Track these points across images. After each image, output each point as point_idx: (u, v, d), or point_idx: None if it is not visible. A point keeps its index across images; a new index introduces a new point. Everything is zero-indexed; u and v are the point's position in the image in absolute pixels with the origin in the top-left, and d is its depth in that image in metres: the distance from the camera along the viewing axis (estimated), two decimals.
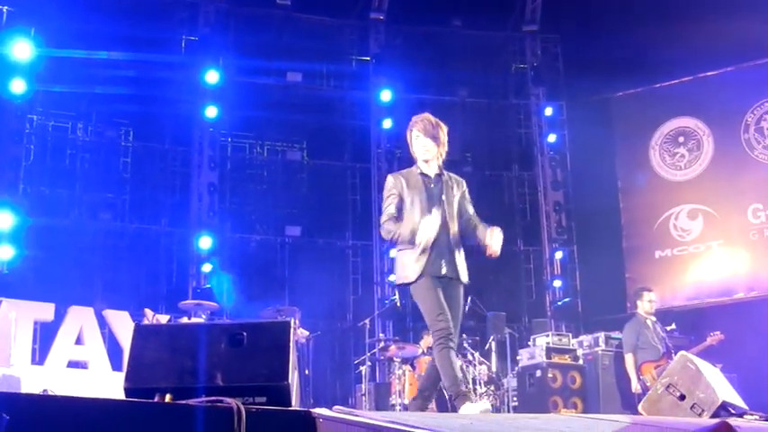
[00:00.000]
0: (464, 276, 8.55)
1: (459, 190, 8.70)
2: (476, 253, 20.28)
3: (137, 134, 21.06)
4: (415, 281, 8.29)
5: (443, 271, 8.35)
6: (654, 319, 14.37)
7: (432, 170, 8.57)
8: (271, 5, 21.03)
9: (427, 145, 8.47)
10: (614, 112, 21.38)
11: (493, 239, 8.54)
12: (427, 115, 8.64)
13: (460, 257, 8.56)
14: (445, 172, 8.67)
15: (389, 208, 8.46)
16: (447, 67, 21.69)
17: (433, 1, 21.36)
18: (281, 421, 5.20)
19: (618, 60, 19.47)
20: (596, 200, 20.87)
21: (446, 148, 8.65)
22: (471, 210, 8.77)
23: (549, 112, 21.90)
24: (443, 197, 8.49)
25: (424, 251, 8.24)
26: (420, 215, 8.33)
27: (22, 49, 18.44)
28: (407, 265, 8.33)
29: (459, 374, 8.13)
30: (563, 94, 22.09)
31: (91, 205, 20.03)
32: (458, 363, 8.24)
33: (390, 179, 8.59)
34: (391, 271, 20.46)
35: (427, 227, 8.21)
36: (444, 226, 8.42)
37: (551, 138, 21.79)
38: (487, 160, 21.97)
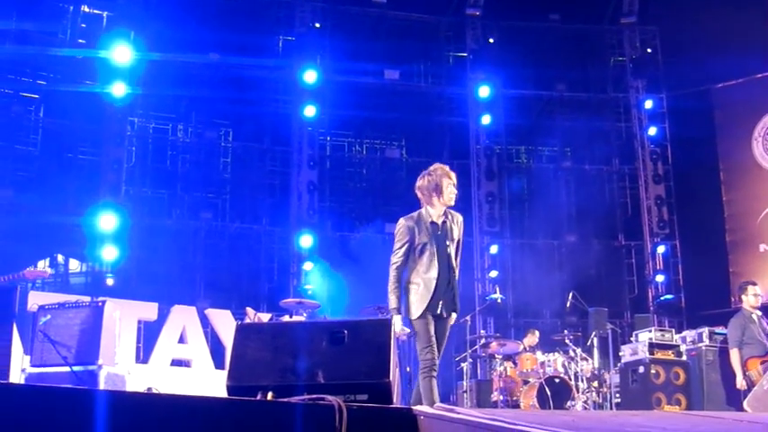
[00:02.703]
0: (454, 312, 9.16)
1: (458, 229, 9.21)
2: (578, 249, 20.08)
3: (236, 135, 21.31)
4: (417, 318, 8.93)
5: (439, 311, 8.93)
6: (759, 313, 14.00)
7: (440, 216, 9.06)
8: (366, 4, 21.19)
9: (456, 193, 9.08)
10: (715, 103, 21.10)
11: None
12: (443, 166, 9.28)
13: (456, 295, 9.08)
14: (452, 213, 9.16)
15: (398, 253, 9.05)
16: (544, 62, 21.56)
17: None
18: (382, 419, 5.20)
19: (718, 51, 19.21)
20: (698, 193, 20.66)
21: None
22: (458, 255, 9.27)
23: (648, 104, 21.66)
24: (448, 242, 9.02)
25: (424, 296, 8.93)
26: (428, 263, 8.94)
27: (123, 53, 18.73)
28: (414, 303, 8.93)
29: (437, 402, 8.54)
30: (663, 86, 21.80)
31: (192, 205, 20.31)
32: (436, 391, 8.70)
33: (403, 223, 9.06)
34: (492, 267, 20.48)
35: (397, 325, 8.91)
36: (447, 272, 8.98)
37: (652, 131, 21.53)
38: (587, 155, 21.79)
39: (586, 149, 21.60)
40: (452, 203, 9.01)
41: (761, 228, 20.00)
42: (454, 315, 9.16)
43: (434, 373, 8.71)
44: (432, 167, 9.17)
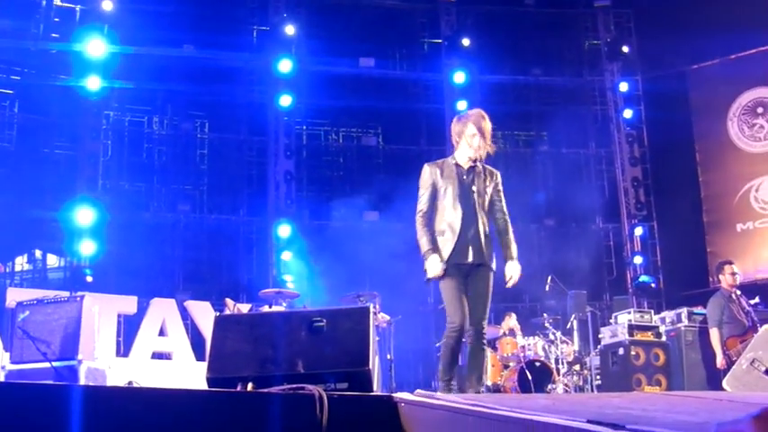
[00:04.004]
0: (492, 263, 8.63)
1: (491, 182, 8.80)
2: (556, 233, 20.08)
3: (212, 126, 21.26)
4: (446, 262, 8.44)
5: (470, 258, 8.46)
6: (738, 292, 14.02)
7: (467, 161, 8.69)
8: None
9: (481, 144, 8.60)
10: (690, 85, 21.21)
11: (512, 275, 8.66)
12: (481, 111, 8.81)
13: (489, 246, 8.62)
14: (479, 164, 8.74)
15: (422, 199, 8.66)
16: (519, 47, 21.59)
17: None
18: (363, 406, 5.24)
19: (692, 32, 19.29)
20: (675, 175, 20.71)
21: (492, 146, 8.79)
22: (502, 206, 8.88)
23: (624, 87, 21.72)
24: (474, 188, 8.61)
25: (449, 239, 8.50)
26: (452, 204, 8.55)
27: (97, 47, 18.70)
28: (438, 250, 8.51)
29: (453, 370, 8.41)
30: (637, 69, 21.85)
31: (169, 198, 20.29)
32: (451, 358, 8.45)
33: (427, 169, 8.76)
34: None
35: (433, 265, 8.45)
36: (474, 216, 8.57)
37: (627, 113, 21.62)
38: (564, 138, 21.77)
39: (563, 133, 21.57)
40: (475, 156, 8.59)
41: (737, 207, 20.13)
42: (510, 266, 8.63)
43: (456, 340, 8.32)
44: (468, 112, 8.94)
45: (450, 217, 8.52)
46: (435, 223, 8.63)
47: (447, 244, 8.48)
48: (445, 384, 8.32)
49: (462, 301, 8.35)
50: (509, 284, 8.64)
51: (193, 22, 19.80)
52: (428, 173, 8.70)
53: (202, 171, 21.05)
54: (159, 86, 20.02)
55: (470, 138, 8.58)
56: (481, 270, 8.51)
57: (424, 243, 8.52)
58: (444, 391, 8.15)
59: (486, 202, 8.68)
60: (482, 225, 8.57)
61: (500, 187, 8.85)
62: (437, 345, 17.05)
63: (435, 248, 8.45)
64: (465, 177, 8.64)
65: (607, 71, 22.12)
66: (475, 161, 8.67)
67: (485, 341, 8.60)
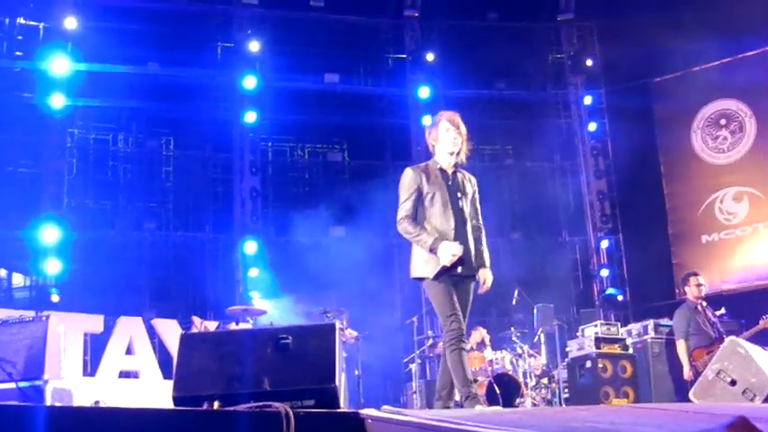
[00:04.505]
0: (483, 266, 8.53)
1: (471, 188, 8.66)
2: (523, 246, 20.08)
3: (177, 143, 21.14)
4: (433, 279, 8.24)
5: (459, 270, 8.28)
6: (704, 303, 14.07)
7: (450, 166, 8.54)
8: (304, 8, 21.10)
9: (457, 139, 8.46)
10: (654, 97, 21.31)
11: (486, 281, 8.50)
12: (451, 111, 8.72)
13: (476, 257, 8.49)
14: (459, 169, 8.63)
15: (407, 204, 8.39)
16: (484, 61, 21.60)
17: None
18: (329, 423, 5.21)
19: (655, 45, 19.40)
20: (640, 187, 20.82)
21: (468, 144, 8.64)
22: (478, 213, 8.76)
23: (588, 100, 21.82)
24: (460, 194, 8.47)
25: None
26: (441, 212, 8.33)
27: (60, 65, 18.62)
28: (430, 261, 8.24)
29: (470, 376, 8.15)
30: (601, 81, 21.98)
31: (135, 216, 20.16)
32: (468, 365, 8.19)
33: (410, 173, 8.47)
34: None
35: (447, 250, 8.17)
36: (464, 224, 8.42)
37: (591, 126, 21.71)
38: (528, 152, 21.80)
39: (528, 147, 21.65)
40: (454, 149, 8.45)
41: (702, 219, 20.23)
42: (486, 277, 8.45)
43: (463, 345, 8.09)
44: (437, 114, 8.79)
45: (441, 225, 8.31)
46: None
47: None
48: (471, 396, 8.05)
49: (457, 306, 8.16)
50: (481, 291, 8.50)
51: (157, 40, 19.69)
52: (411, 177, 8.44)
53: (168, 188, 20.88)
54: (124, 104, 19.87)
55: (445, 133, 8.46)
56: (467, 281, 8.42)
57: (424, 238, 8.24)
58: (474, 404, 7.98)
59: (470, 209, 8.54)
60: (469, 232, 8.46)
61: (477, 195, 8.74)
62: (404, 360, 17.08)
63: (440, 238, 8.22)
64: (450, 183, 8.46)
65: (571, 84, 22.23)
66: (456, 165, 8.55)
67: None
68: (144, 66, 19.95)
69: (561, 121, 22.47)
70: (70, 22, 18.90)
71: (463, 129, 8.51)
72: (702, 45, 19.31)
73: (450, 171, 8.52)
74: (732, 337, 11.00)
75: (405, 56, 21.98)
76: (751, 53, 19.90)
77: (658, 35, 19.12)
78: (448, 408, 8.42)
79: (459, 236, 8.30)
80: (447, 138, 8.46)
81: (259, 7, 21.07)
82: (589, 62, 21.86)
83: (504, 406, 13.51)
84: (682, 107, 20.89)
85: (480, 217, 8.70)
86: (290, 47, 20.94)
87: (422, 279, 8.39)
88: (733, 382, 9.72)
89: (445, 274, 8.20)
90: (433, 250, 8.20)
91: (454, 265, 8.19)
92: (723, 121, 20.22)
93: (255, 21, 20.93)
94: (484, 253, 8.56)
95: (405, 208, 8.39)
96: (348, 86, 21.60)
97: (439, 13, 21.71)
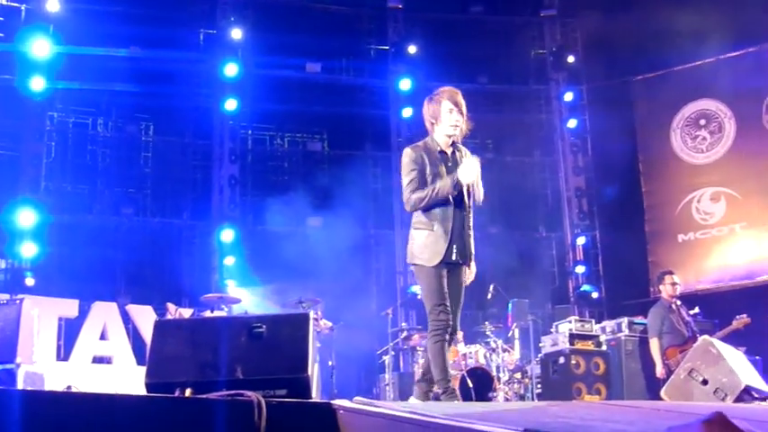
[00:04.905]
0: (471, 259, 8.36)
1: None
2: (500, 241, 20.08)
3: (157, 129, 21.03)
4: (430, 267, 8.09)
5: (454, 257, 8.16)
6: (679, 302, 14.16)
7: (447, 146, 8.36)
8: None
9: (459, 120, 8.27)
10: (634, 95, 21.35)
11: (470, 275, 8.43)
12: (452, 87, 8.47)
13: (471, 240, 8.33)
14: (461, 147, 8.48)
15: (411, 182, 8.19)
16: (466, 55, 21.55)
17: None
18: (301, 413, 5.22)
19: (637, 43, 19.57)
20: (618, 185, 20.83)
21: (468, 123, 8.44)
22: (481, 193, 8.44)
23: (569, 97, 21.78)
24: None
25: (440, 235, 8.12)
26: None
27: (41, 47, 18.51)
28: (428, 247, 8.12)
29: (450, 370, 8.15)
30: (583, 78, 21.94)
31: (113, 201, 20.06)
32: (448, 358, 8.19)
33: (410, 152, 8.29)
34: None
35: (466, 170, 8.09)
36: (459, 205, 8.23)
37: (572, 123, 21.67)
38: (509, 146, 21.76)
39: (508, 141, 21.63)
40: (455, 132, 8.27)
41: (679, 218, 20.30)
42: (470, 270, 8.34)
43: (448, 337, 8.02)
44: (438, 90, 8.45)
45: (439, 211, 8.13)
46: (419, 214, 8.27)
47: (438, 241, 8.10)
48: (448, 390, 8.05)
49: (447, 298, 8.04)
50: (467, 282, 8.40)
51: (140, 24, 19.52)
52: (412, 156, 8.25)
53: (146, 174, 20.79)
54: (104, 88, 19.76)
55: (447, 114, 8.23)
56: (460, 269, 8.29)
57: (438, 185, 8.07)
58: (450, 397, 7.99)
59: (468, 190, 8.30)
60: (467, 217, 8.31)
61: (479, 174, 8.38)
62: (378, 352, 17.05)
63: (440, 222, 8.11)
64: (450, 164, 8.27)
65: (552, 80, 22.18)
66: (455, 144, 8.37)
67: (455, 335, 8.42)
68: (125, 50, 19.83)
69: (542, 117, 22.44)
70: (52, 4, 18.76)
71: (464, 108, 8.30)
72: (684, 45, 19.35)
73: (449, 151, 8.35)
74: (705, 337, 11.02)
75: (387, 47, 21.91)
76: (733, 54, 19.94)
77: (641, 33, 19.36)
78: (429, 392, 8.37)
79: (457, 225, 8.16)
80: (448, 120, 8.25)
81: None
82: (571, 59, 21.86)
83: (476, 400, 13.67)
84: (662, 106, 20.94)
85: (475, 197, 8.43)
86: (273, 35, 20.77)
87: (417, 265, 8.23)
88: (705, 382, 9.73)
89: (442, 263, 8.08)
90: (456, 184, 8.07)
91: (450, 254, 8.09)
92: (703, 122, 20.28)
93: (239, 8, 20.83)
94: (472, 244, 8.38)
95: (410, 186, 8.19)
96: (329, 76, 21.57)
97: (422, 5, 21.72)
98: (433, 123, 8.37)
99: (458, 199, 8.21)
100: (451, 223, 8.12)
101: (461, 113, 8.27)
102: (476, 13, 21.98)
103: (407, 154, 8.31)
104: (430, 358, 8.16)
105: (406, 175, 8.25)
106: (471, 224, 8.40)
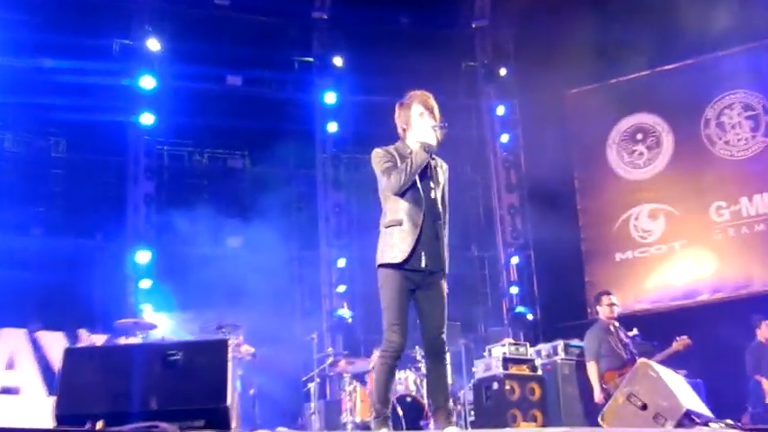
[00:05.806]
0: (446, 267, 7.89)
1: (443, 177, 8.08)
2: None
3: (68, 144, 20.49)
4: (397, 266, 7.62)
5: (423, 263, 7.67)
6: (617, 324, 14.10)
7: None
8: (208, 6, 20.58)
9: (433, 124, 7.91)
10: (569, 109, 21.21)
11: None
12: (423, 91, 8.15)
13: (445, 247, 7.88)
14: (434, 155, 8.00)
15: (389, 169, 7.76)
16: (393, 67, 21.11)
17: None
18: None
19: (572, 55, 19.32)
20: (552, 202, 20.55)
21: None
22: (446, 206, 8.10)
23: (501, 111, 21.70)
24: (432, 183, 7.85)
25: (408, 232, 7.66)
26: (412, 195, 7.73)
27: None
28: (396, 245, 7.65)
29: (390, 397, 7.72)
30: (515, 91, 21.87)
31: (21, 220, 19.38)
32: (392, 384, 7.86)
33: (380, 150, 7.95)
34: (340, 281, 19.98)
35: (423, 130, 7.84)
36: (435, 213, 7.80)
37: (504, 138, 21.62)
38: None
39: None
40: (429, 135, 7.82)
41: (617, 236, 20.22)
42: (443, 282, 7.84)
43: (395, 362, 7.64)
44: (409, 93, 8.15)
45: (410, 208, 7.72)
46: (390, 212, 7.81)
47: (406, 238, 7.63)
48: (381, 416, 7.54)
49: (406, 317, 7.63)
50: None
51: (50, 33, 19.02)
52: (384, 153, 7.91)
53: (57, 192, 20.26)
54: (10, 100, 19.16)
55: (418, 118, 7.90)
56: (435, 276, 7.76)
57: (406, 163, 7.69)
58: (381, 426, 7.48)
59: (441, 197, 7.96)
60: (439, 222, 7.85)
61: (447, 175, 8.19)
62: (303, 379, 16.63)
63: (408, 228, 7.66)
64: (421, 171, 7.78)
65: (483, 94, 22.06)
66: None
67: (445, 354, 7.93)
68: (36, 60, 19.32)
69: (472, 132, 22.22)
70: None
71: (437, 112, 7.98)
72: (620, 57, 19.48)
73: None
74: (643, 360, 10.72)
75: (311, 59, 21.68)
76: (669, 67, 19.94)
77: (574, 46, 19.18)
78: (451, 416, 7.82)
79: (427, 230, 7.69)
80: (422, 126, 7.89)
81: (160, 3, 20.54)
82: (503, 71, 21.75)
83: (406, 428, 13.30)
84: (597, 120, 20.90)
85: (447, 211, 8.07)
86: (192, 46, 20.35)
87: (387, 266, 7.71)
88: (644, 407, 9.46)
89: (407, 270, 7.64)
90: (426, 147, 7.73)
91: (418, 259, 7.64)
92: (640, 136, 20.30)
93: (156, 18, 20.33)
94: (445, 255, 7.92)
95: (386, 173, 7.78)
96: (251, 89, 21.22)
97: (349, 15, 21.38)
98: (404, 129, 8.10)
99: (433, 204, 7.81)
100: (421, 226, 7.63)
101: (434, 116, 7.96)
102: (404, 24, 21.79)
103: (377, 152, 7.98)
104: (374, 378, 7.84)
105: (381, 166, 7.88)
106: (446, 239, 7.97)
